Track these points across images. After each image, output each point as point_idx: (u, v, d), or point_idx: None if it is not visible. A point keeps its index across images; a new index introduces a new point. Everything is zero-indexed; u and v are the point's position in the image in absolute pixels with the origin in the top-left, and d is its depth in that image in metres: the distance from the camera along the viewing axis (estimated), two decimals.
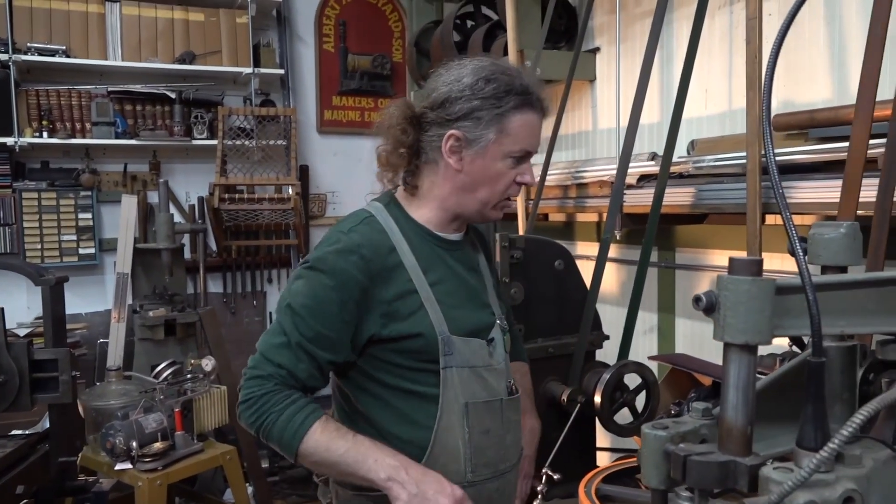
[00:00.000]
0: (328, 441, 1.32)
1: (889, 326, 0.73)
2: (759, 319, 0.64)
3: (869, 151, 1.88)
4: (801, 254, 0.64)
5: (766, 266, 2.33)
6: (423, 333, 1.38)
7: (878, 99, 1.88)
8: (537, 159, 3.42)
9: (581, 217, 3.60)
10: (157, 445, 2.83)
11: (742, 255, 2.54)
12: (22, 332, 3.58)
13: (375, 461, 1.31)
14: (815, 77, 2.43)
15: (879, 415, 0.98)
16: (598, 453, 2.45)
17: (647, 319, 3.19)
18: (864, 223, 1.79)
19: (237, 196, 4.09)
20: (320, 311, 1.34)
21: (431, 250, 1.46)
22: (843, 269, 0.87)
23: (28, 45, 3.93)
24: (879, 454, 0.63)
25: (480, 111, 1.38)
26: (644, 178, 2.74)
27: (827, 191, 2.03)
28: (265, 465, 3.93)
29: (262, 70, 4.39)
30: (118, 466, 2.81)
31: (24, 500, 1.76)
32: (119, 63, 4.14)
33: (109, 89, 4.19)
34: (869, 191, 1.86)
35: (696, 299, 0.67)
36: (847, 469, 0.61)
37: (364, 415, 1.45)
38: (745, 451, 0.65)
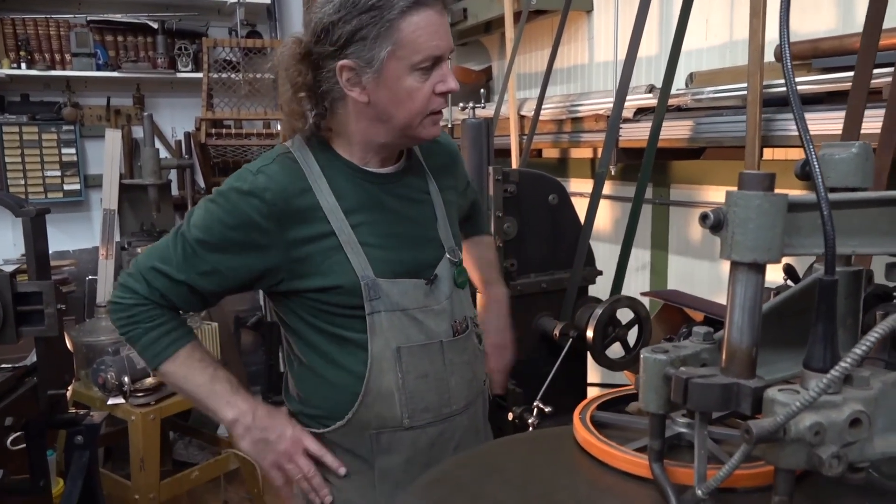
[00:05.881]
0: (187, 371, 1.35)
1: None
2: (770, 236, 0.60)
3: (874, 81, 1.82)
4: (817, 168, 0.60)
5: None
6: (341, 284, 1.31)
7: (885, 27, 1.81)
8: (531, 93, 3.35)
9: (575, 153, 3.54)
10: (149, 380, 2.84)
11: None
12: (9, 268, 3.53)
13: (227, 402, 1.34)
14: (819, 5, 2.34)
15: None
16: (590, 390, 2.47)
17: (640, 256, 3.18)
18: None
19: (224, 131, 4.00)
20: (215, 247, 1.29)
21: (358, 187, 1.34)
22: (854, 192, 0.84)
23: None
24: (888, 376, 0.61)
25: (364, 29, 1.20)
26: (641, 112, 2.68)
27: (830, 122, 1.98)
28: None
29: None
30: (111, 401, 2.82)
31: (14, 434, 1.75)
32: None
33: (89, 18, 4.04)
34: (872, 122, 1.82)
35: (703, 216, 0.63)
36: (855, 391, 0.59)
37: (299, 357, 1.41)
38: (749, 373, 0.63)
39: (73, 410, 1.95)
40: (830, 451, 0.56)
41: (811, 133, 2.01)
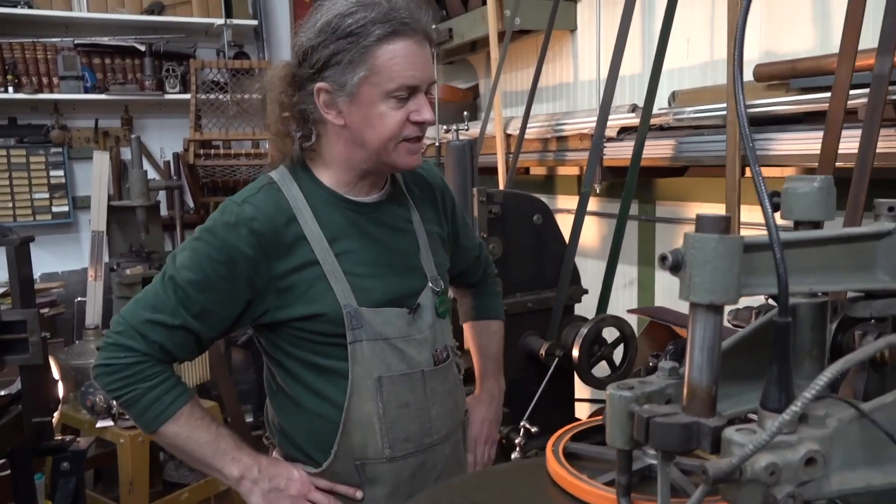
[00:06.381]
0: (191, 430, 1.31)
1: (860, 283, 0.72)
2: (727, 279, 0.62)
3: (851, 102, 1.85)
4: (769, 210, 0.62)
5: (745, 219, 2.27)
6: (324, 313, 1.30)
7: (861, 48, 1.84)
8: (517, 111, 3.38)
9: (562, 171, 3.56)
10: None
11: (721, 208, 2.50)
12: None
13: (233, 459, 1.32)
14: (797, 26, 2.38)
15: (850, 369, 0.97)
16: (578, 405, 2.48)
17: (628, 273, 3.20)
18: (845, 175, 1.79)
19: (213, 152, 4.01)
20: (207, 286, 1.27)
21: (342, 216, 1.35)
22: (817, 225, 0.85)
23: None
24: (844, 413, 0.62)
25: (340, 54, 1.23)
26: (624, 131, 2.70)
27: (808, 142, 2.00)
28: (249, 419, 3.96)
29: (235, 21, 4.26)
30: (99, 424, 2.81)
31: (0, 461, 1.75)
32: (85, 14, 4.00)
33: (76, 42, 4.06)
34: (850, 142, 1.84)
35: (662, 258, 0.65)
36: (810, 430, 0.60)
37: (281, 387, 1.40)
38: (709, 412, 0.64)
39: (59, 437, 1.95)
40: (786, 490, 0.57)
41: (792, 153, 2.02)
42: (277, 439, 1.44)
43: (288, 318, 1.32)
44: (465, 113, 2.78)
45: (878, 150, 1.76)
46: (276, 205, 1.31)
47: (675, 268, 0.64)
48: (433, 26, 1.34)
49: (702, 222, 0.63)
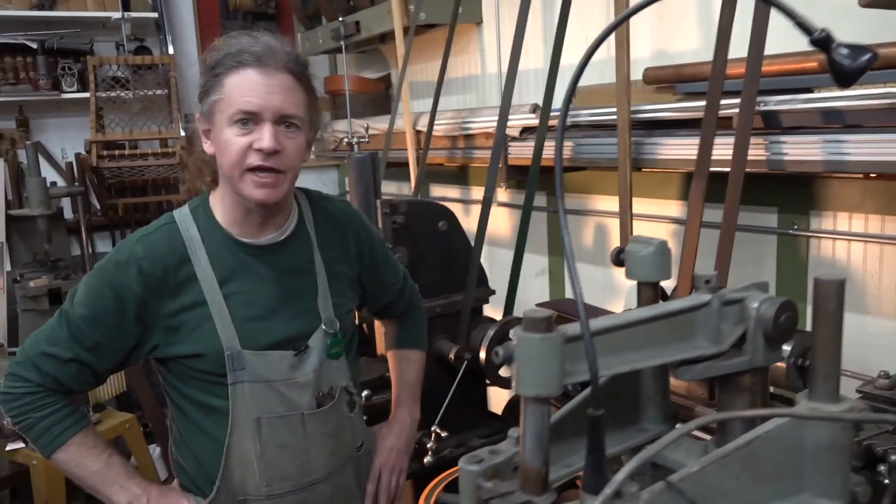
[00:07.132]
0: (81, 458, 1.37)
1: (681, 353, 0.79)
2: (549, 373, 0.68)
3: (726, 111, 1.95)
4: (583, 311, 0.68)
5: (642, 211, 2.32)
6: (205, 353, 1.36)
7: (742, 55, 1.93)
8: (429, 103, 3.41)
9: (474, 162, 3.62)
10: None
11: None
12: None
13: (121, 487, 1.38)
14: (684, 26, 2.48)
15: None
16: (493, 398, 2.58)
17: (539, 262, 3.30)
18: (722, 176, 1.89)
19: (118, 152, 3.88)
20: (97, 320, 1.34)
21: (234, 258, 1.40)
22: (656, 284, 0.93)
23: None
24: (655, 486, 0.70)
25: (207, 83, 1.34)
26: (527, 130, 2.77)
27: (688, 147, 2.11)
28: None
29: (133, 14, 4.09)
30: (10, 447, 2.76)
31: None
32: None
33: None
34: (725, 149, 1.94)
35: (495, 353, 0.71)
36: None
37: (175, 421, 1.47)
38: (540, 490, 0.71)
39: None
40: None
41: (675, 157, 2.10)
42: (175, 469, 1.49)
43: (174, 355, 1.38)
44: (365, 126, 2.78)
45: (750, 157, 1.88)
46: (169, 245, 1.36)
47: (507, 361, 0.71)
48: (299, 60, 1.37)
49: (527, 322, 0.69)
